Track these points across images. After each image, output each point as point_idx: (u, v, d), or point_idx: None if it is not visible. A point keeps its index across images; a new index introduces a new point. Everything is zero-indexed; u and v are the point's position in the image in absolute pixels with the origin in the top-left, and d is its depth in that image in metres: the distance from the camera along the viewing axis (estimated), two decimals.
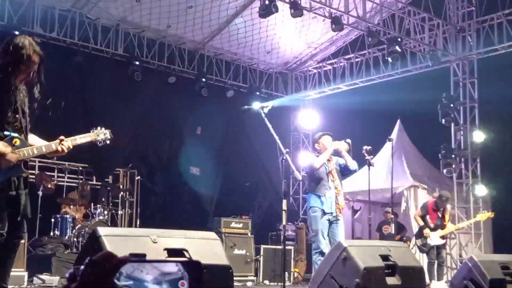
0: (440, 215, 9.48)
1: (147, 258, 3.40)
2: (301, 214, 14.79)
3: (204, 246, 3.71)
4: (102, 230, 3.40)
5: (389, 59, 11.96)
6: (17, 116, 3.87)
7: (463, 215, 12.37)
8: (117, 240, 3.37)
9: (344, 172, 7.18)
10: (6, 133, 3.79)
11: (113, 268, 1.68)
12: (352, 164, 7.04)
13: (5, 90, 3.84)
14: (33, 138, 4.06)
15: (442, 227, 9.34)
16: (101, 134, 4.30)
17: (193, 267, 2.32)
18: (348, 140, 7.05)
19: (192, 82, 13.04)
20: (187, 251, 3.55)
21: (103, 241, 3.27)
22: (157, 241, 3.47)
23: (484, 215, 9.87)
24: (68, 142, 4.06)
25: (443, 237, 9.44)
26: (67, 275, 1.70)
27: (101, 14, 11.65)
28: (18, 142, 3.81)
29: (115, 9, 11.64)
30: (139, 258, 2.05)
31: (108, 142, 4.40)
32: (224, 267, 3.64)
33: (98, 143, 4.33)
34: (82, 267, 1.68)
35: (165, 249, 3.48)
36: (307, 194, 7.21)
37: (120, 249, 3.29)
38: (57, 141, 4.02)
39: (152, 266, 2.79)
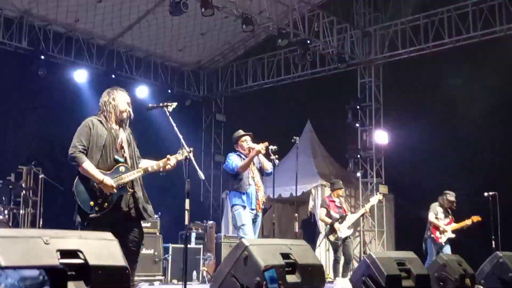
0: (338, 205, 9.76)
1: (39, 260, 3.30)
2: (211, 213, 14.81)
3: (100, 247, 3.61)
4: None
5: (298, 61, 12.21)
6: (122, 150, 5.10)
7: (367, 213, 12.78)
8: (6, 241, 3.22)
9: (261, 172, 7.19)
10: (120, 159, 5.05)
11: None
12: (268, 167, 7.08)
13: (103, 136, 4.99)
14: (143, 162, 5.25)
15: (344, 217, 9.60)
16: (185, 153, 5.20)
17: (57, 274, 2.21)
18: (266, 144, 7.09)
19: (102, 78, 12.76)
20: (81, 252, 3.46)
21: None
22: (49, 242, 3.34)
23: (375, 198, 10.16)
24: (172, 161, 5.17)
25: (350, 227, 9.65)
26: None
27: (4, 4, 11.16)
28: (123, 169, 5.00)
29: (19, 1, 11.19)
30: None
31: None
32: (120, 268, 3.57)
33: (184, 160, 5.22)
34: None
35: (58, 250, 3.36)
36: (229, 192, 7.17)
37: (9, 251, 3.16)
38: (165, 160, 5.16)
39: (13, 270, 2.64)
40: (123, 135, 5.18)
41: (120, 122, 5.19)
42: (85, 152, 4.94)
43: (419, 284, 5.85)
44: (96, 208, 4.87)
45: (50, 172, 11.62)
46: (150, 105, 5.50)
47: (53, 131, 12.33)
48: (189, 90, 15.20)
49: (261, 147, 6.84)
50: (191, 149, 5.27)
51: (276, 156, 6.82)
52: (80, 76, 12.39)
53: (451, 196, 9.91)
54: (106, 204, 4.91)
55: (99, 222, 4.78)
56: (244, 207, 6.90)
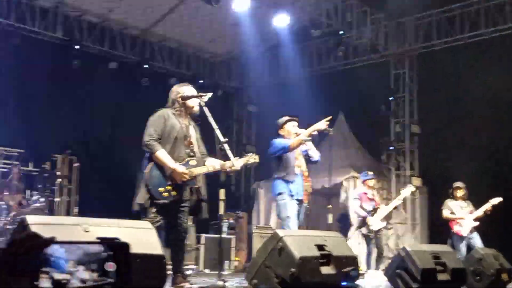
0: (370, 197, 9.70)
1: (78, 247, 3.35)
2: (242, 203, 14.83)
3: (138, 236, 3.64)
4: (30, 219, 3.28)
5: (339, 52, 12.10)
6: (191, 146, 5.34)
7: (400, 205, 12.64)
8: (46, 229, 3.26)
9: (307, 160, 6.93)
10: (190, 154, 5.28)
11: (38, 248, 1.64)
12: (315, 155, 6.81)
13: (176, 128, 5.28)
14: (209, 160, 5.42)
15: (376, 209, 9.54)
16: (251, 159, 5.48)
17: (120, 249, 2.24)
18: (323, 124, 6.82)
19: (134, 68, 12.84)
20: (119, 240, 3.49)
21: (31, 230, 3.16)
22: (88, 230, 3.39)
23: (407, 190, 9.99)
24: (238, 163, 5.28)
25: (383, 220, 9.57)
26: None
27: None
28: (194, 163, 5.27)
29: None
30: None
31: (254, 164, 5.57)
32: (157, 257, 3.59)
33: (249, 165, 5.54)
34: (5, 246, 1.60)
35: (97, 238, 3.40)
36: (273, 180, 6.89)
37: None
38: (230, 161, 5.24)
39: (77, 247, 2.71)
40: (193, 132, 5.43)
41: (190, 117, 5.45)
42: (159, 141, 5.22)
43: (455, 278, 5.77)
44: (165, 195, 5.15)
45: (84, 161, 11.78)
46: (185, 95, 5.46)
47: (86, 121, 12.49)
48: (221, 80, 15.19)
49: (308, 132, 6.61)
50: (226, 139, 5.24)
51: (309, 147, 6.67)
52: (113, 66, 12.49)
53: (456, 183, 9.72)
54: (174, 192, 5.18)
55: (162, 209, 5.13)
56: (292, 195, 6.55)
